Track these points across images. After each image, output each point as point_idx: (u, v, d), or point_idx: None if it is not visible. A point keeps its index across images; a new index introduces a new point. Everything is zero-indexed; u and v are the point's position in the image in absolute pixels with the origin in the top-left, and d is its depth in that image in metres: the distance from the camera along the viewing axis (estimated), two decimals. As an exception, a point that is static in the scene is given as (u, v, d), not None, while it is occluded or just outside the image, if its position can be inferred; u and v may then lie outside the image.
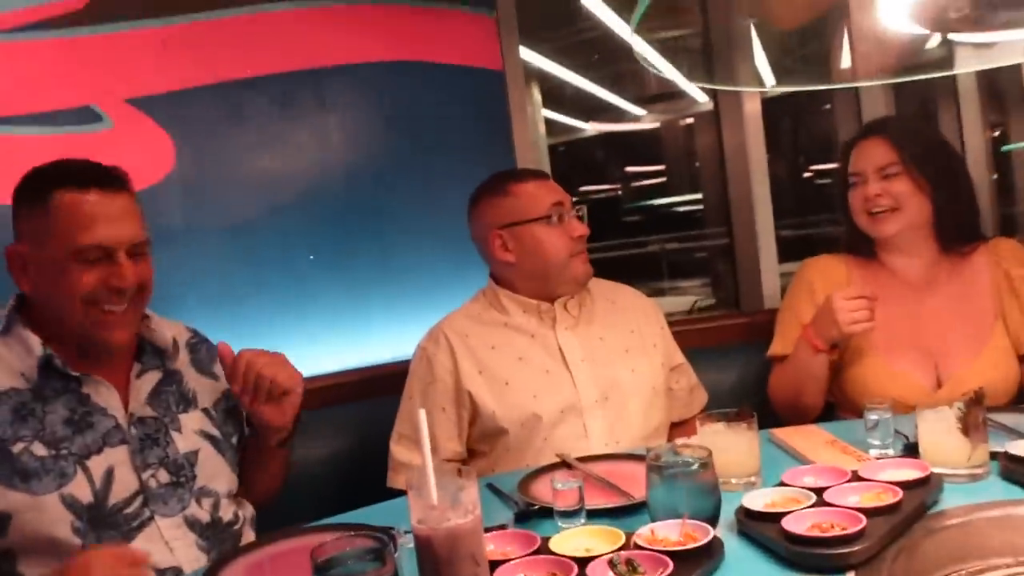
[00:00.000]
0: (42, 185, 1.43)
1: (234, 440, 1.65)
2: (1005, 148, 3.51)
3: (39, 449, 1.38)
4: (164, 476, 1.48)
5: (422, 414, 1.06)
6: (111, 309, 1.43)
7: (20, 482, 1.35)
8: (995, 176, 3.47)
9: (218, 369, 1.69)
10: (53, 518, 1.36)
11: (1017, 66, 3.46)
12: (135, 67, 2.12)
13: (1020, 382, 1.89)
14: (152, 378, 1.56)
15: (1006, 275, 1.91)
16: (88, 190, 1.41)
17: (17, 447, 1.37)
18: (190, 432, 1.55)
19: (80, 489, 1.39)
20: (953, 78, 3.19)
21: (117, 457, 1.44)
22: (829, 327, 1.81)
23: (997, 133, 3.68)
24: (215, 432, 1.60)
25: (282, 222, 2.28)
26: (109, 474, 1.42)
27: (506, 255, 1.87)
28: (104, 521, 1.40)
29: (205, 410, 1.61)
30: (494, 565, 1.10)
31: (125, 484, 1.43)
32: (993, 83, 3.55)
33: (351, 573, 0.98)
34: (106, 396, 1.48)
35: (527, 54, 2.84)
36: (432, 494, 1.01)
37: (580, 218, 1.89)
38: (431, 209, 2.43)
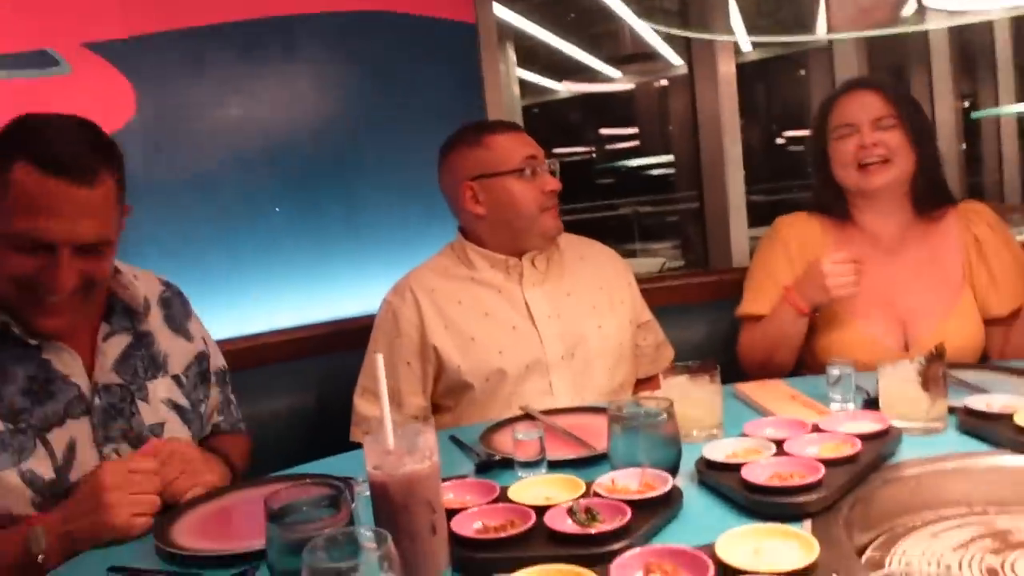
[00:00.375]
0: (13, 146, 1.30)
1: (203, 408, 1.59)
2: (975, 115, 3.54)
3: None
4: (126, 450, 1.42)
5: (379, 359, 1.04)
6: (46, 298, 1.32)
7: None
8: (964, 146, 3.50)
9: (192, 327, 1.62)
10: (11, 493, 1.31)
11: (990, 36, 3.47)
12: (93, 11, 2.05)
13: (985, 344, 1.90)
14: (120, 341, 1.48)
15: (975, 239, 1.92)
16: (51, 177, 1.27)
17: None
18: (157, 401, 1.49)
19: (40, 464, 1.33)
20: (926, 46, 3.20)
21: (79, 429, 1.38)
22: (815, 290, 1.81)
23: (967, 102, 3.70)
24: (183, 401, 1.53)
25: (247, 173, 2.23)
26: (71, 448, 1.36)
27: (476, 207, 1.84)
28: (65, 496, 1.32)
29: (175, 377, 1.54)
30: (453, 513, 1.09)
31: (87, 459, 1.37)
32: (965, 52, 3.56)
33: (306, 520, 0.96)
34: (68, 362, 1.40)
35: (502, 11, 2.80)
36: (389, 439, 0.99)
37: (553, 173, 1.87)
38: (399, 163, 2.39)
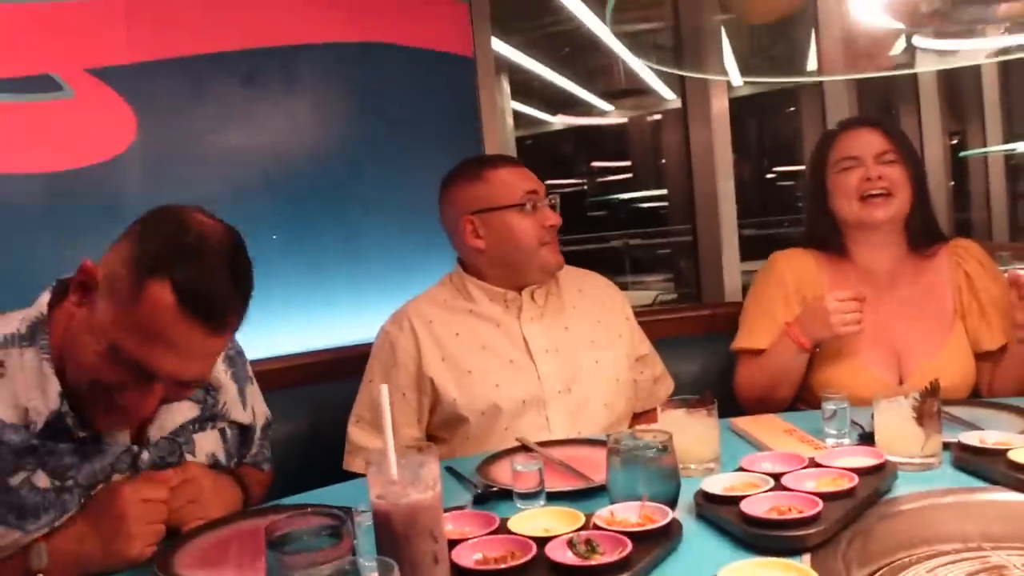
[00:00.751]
0: (159, 256, 1.18)
1: (234, 463, 1.56)
2: (963, 154, 3.60)
3: (41, 480, 1.25)
4: None
5: (384, 389, 1.05)
6: (120, 408, 1.24)
7: (15, 519, 1.23)
8: (952, 182, 3.56)
9: (250, 395, 1.58)
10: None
11: (977, 77, 3.55)
12: (97, 37, 2.07)
13: (976, 379, 1.92)
14: (187, 411, 1.43)
15: (966, 276, 1.94)
16: (188, 317, 1.16)
17: (16, 479, 1.23)
18: (203, 455, 1.45)
19: None
20: (915, 85, 3.26)
21: None
22: (819, 328, 1.82)
23: (955, 140, 3.77)
24: (222, 456, 1.50)
25: (245, 200, 2.24)
26: None
27: (476, 241, 1.85)
28: None
29: (221, 430, 1.50)
30: (452, 544, 1.09)
31: None
32: (953, 91, 3.63)
33: (307, 549, 0.96)
34: (116, 433, 1.33)
35: (497, 44, 2.84)
36: (392, 469, 1.00)
37: (553, 207, 1.87)
38: (397, 192, 2.41)
